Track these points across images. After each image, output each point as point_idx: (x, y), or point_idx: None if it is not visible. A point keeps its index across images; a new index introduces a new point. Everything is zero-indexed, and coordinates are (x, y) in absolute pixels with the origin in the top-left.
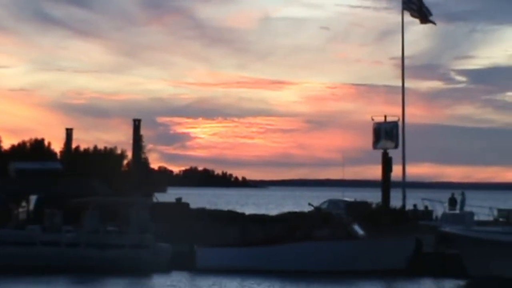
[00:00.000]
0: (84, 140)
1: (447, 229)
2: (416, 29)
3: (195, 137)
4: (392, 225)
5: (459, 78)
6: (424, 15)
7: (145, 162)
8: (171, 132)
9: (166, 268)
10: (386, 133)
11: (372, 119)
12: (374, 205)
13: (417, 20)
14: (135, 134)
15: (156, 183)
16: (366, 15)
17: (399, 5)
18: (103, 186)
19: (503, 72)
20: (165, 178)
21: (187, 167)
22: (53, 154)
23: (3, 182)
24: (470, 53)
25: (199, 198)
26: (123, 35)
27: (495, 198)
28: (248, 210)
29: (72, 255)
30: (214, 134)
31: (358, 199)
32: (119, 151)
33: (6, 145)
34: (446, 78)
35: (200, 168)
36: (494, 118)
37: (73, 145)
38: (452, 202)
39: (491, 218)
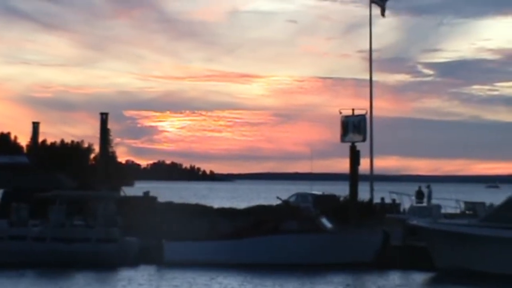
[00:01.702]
0: (50, 134)
1: (415, 222)
2: (383, 22)
3: (162, 131)
4: (360, 218)
5: (427, 71)
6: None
7: (113, 156)
8: (139, 125)
9: (133, 262)
10: (354, 126)
11: (340, 112)
12: (342, 199)
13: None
14: (102, 128)
15: (124, 177)
16: (333, 8)
17: None
18: (70, 180)
19: (470, 65)
20: (132, 171)
21: (155, 160)
22: (20, 148)
23: None
24: (438, 46)
25: (167, 192)
26: (90, 28)
27: (462, 191)
28: (216, 204)
29: (38, 249)
30: (181, 128)
31: (326, 193)
32: (86, 145)
33: None
34: (413, 71)
35: (167, 161)
36: (461, 111)
37: (40, 139)
38: (419, 195)
39: (458, 211)
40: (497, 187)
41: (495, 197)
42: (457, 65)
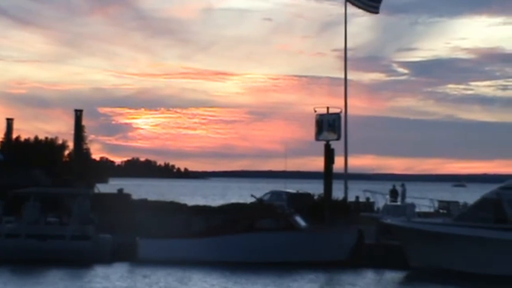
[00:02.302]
0: (24, 130)
1: (389, 220)
2: (359, 21)
3: (137, 128)
4: (334, 217)
5: (401, 70)
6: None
7: (87, 153)
8: (113, 122)
9: (107, 260)
10: (328, 125)
11: (315, 111)
12: (316, 197)
13: (360, 12)
14: (76, 125)
15: (98, 173)
16: (309, 6)
17: None
18: (44, 176)
19: (444, 64)
20: (107, 168)
21: (129, 158)
22: None
23: None
24: (412, 46)
25: (141, 189)
26: (65, 24)
27: (429, 190)
28: (191, 201)
29: (12, 246)
30: (156, 125)
31: (301, 191)
32: (60, 142)
33: None
34: (388, 70)
35: (142, 159)
36: (435, 110)
37: (14, 135)
38: (394, 193)
39: (432, 210)
40: (463, 186)
41: (461, 196)
42: (432, 64)
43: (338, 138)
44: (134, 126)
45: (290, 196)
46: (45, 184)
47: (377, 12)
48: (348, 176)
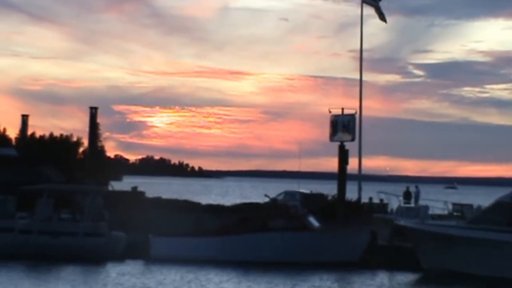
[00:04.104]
0: (40, 127)
1: (402, 222)
2: (375, 22)
3: (152, 126)
4: (347, 218)
5: (417, 72)
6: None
7: (101, 150)
8: (128, 120)
9: (120, 257)
10: (343, 126)
11: (330, 112)
12: (329, 197)
13: (376, 14)
14: (91, 122)
15: (112, 171)
16: (325, 7)
17: None
18: (58, 173)
19: (460, 67)
20: (121, 166)
21: (144, 156)
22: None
23: None
24: (428, 48)
25: (155, 187)
26: (81, 21)
27: (450, 193)
28: (204, 200)
29: (25, 242)
30: (171, 124)
31: (314, 191)
32: (75, 139)
33: None
34: (404, 72)
35: (156, 157)
36: (450, 112)
37: (29, 132)
38: (407, 195)
39: (445, 212)
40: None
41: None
42: (448, 67)
43: (352, 139)
44: (149, 124)
45: (304, 196)
46: (59, 180)
47: (385, 21)
48: (362, 177)
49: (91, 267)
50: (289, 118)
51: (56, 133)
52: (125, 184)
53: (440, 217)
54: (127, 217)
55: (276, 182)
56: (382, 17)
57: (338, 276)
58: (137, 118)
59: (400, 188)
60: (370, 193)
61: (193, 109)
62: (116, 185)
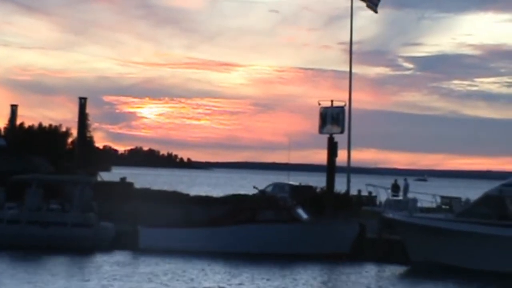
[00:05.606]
0: (29, 117)
1: (390, 215)
2: (365, 15)
3: (141, 117)
4: (336, 210)
5: (407, 65)
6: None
7: (90, 141)
8: (117, 111)
9: (108, 248)
10: (332, 118)
11: (319, 104)
12: (318, 190)
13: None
14: (80, 112)
15: (101, 162)
16: None
17: None
18: (47, 163)
19: (450, 60)
20: (110, 157)
21: (133, 146)
22: None
23: None
24: (418, 40)
25: (144, 178)
26: (71, 12)
27: (439, 186)
28: (193, 191)
29: (14, 232)
30: (160, 115)
31: (303, 183)
32: (64, 129)
33: None
34: (393, 64)
35: (145, 148)
36: (440, 105)
37: (18, 122)
38: (395, 188)
39: (434, 205)
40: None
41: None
42: (437, 60)
43: (341, 132)
44: (138, 115)
45: (293, 188)
46: (48, 171)
47: (376, 12)
48: (350, 170)
49: (79, 258)
50: (279, 110)
51: (45, 123)
52: (114, 175)
53: (428, 210)
54: (115, 208)
55: (265, 174)
56: (371, 6)
57: (327, 268)
58: (127, 109)
59: (389, 181)
60: (359, 186)
61: (183, 100)
62: (105, 176)
